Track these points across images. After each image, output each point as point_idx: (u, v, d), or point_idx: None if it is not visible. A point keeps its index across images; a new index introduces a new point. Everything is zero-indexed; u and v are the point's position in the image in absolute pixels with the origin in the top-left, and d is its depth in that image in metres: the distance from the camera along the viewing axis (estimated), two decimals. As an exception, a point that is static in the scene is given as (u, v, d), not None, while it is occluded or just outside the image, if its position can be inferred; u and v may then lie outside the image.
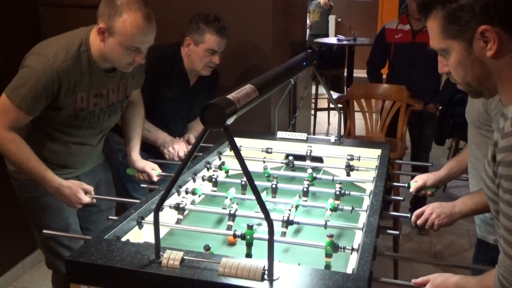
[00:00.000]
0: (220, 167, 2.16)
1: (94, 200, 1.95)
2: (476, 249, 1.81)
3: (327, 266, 1.46)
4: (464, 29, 1.10)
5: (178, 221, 1.75)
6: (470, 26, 1.09)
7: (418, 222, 1.73)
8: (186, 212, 1.82)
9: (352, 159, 2.22)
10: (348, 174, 2.16)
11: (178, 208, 1.74)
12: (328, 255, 1.47)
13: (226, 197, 1.85)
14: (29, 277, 3.07)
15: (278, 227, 1.67)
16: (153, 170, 2.14)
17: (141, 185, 2.15)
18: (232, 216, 1.68)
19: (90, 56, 1.84)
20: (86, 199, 1.91)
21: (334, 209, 1.73)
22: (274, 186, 1.93)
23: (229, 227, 1.66)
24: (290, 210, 1.69)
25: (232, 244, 1.64)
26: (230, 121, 1.25)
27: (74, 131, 1.96)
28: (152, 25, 1.83)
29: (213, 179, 2.00)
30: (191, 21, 2.35)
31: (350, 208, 1.73)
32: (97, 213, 2.17)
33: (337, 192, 1.85)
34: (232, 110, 1.26)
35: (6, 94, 1.78)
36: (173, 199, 1.84)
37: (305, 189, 1.89)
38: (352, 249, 1.46)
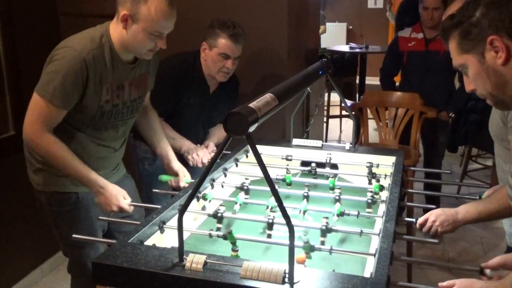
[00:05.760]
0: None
1: (132, 208, 1.97)
2: None
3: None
4: (476, 42, 1.24)
5: (218, 230, 1.75)
6: (481, 38, 1.22)
7: (423, 230, 1.77)
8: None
9: (371, 166, 2.24)
10: (370, 182, 2.15)
11: (216, 216, 1.78)
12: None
13: (236, 203, 1.89)
14: (47, 281, 3.12)
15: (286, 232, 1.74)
16: (184, 177, 2.19)
17: (156, 191, 2.13)
18: (271, 225, 1.72)
19: (112, 47, 1.89)
20: (124, 204, 1.93)
21: (341, 214, 1.77)
22: (306, 194, 1.95)
23: (268, 236, 1.71)
24: (327, 218, 1.71)
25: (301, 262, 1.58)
26: (252, 128, 1.30)
27: (99, 133, 1.98)
28: (175, 10, 1.88)
29: (245, 187, 2.03)
30: (209, 26, 2.41)
31: (357, 213, 1.79)
32: None
33: (369, 201, 1.89)
34: (254, 118, 1.30)
35: (36, 92, 1.82)
36: (193, 205, 1.88)
37: (337, 198, 1.92)
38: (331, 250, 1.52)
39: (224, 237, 1.59)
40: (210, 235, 1.64)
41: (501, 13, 1.19)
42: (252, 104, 1.35)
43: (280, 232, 1.78)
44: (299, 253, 1.53)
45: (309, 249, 1.52)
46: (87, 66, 1.81)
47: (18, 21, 2.84)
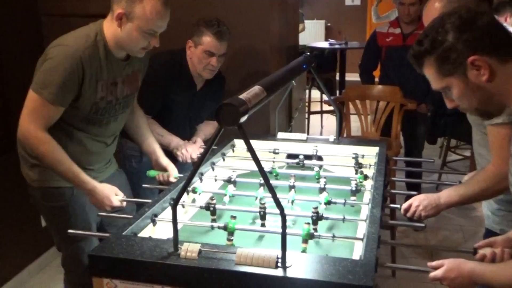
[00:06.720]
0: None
1: (124, 204, 1.98)
2: (484, 239, 1.91)
3: (303, 251, 1.56)
4: (456, 65, 1.27)
5: (213, 221, 1.80)
6: (460, 60, 1.25)
7: (407, 215, 1.83)
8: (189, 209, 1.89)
9: (357, 157, 2.30)
10: (356, 172, 2.21)
11: (208, 208, 1.82)
12: (304, 241, 1.58)
13: (225, 195, 1.94)
14: (35, 282, 3.11)
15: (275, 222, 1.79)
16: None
17: (146, 186, 2.18)
18: (263, 216, 1.77)
19: (106, 45, 1.91)
20: (117, 202, 1.95)
21: (328, 202, 1.83)
22: (292, 184, 2.00)
23: (262, 226, 1.76)
24: (317, 207, 1.76)
25: None
26: (243, 119, 1.34)
27: (92, 128, 2.00)
28: (169, 10, 1.92)
29: (232, 180, 2.08)
30: (195, 24, 2.45)
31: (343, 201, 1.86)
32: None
33: (353, 189, 1.95)
34: (245, 109, 1.35)
35: (33, 90, 1.82)
36: (183, 199, 1.91)
37: (322, 187, 1.98)
38: (333, 237, 1.58)
39: (225, 228, 1.63)
40: (212, 227, 1.68)
41: (474, 33, 1.23)
42: (242, 96, 1.39)
43: (270, 222, 1.83)
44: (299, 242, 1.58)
45: (309, 236, 1.57)
46: (83, 64, 1.83)
47: (-1, 22, 2.83)
